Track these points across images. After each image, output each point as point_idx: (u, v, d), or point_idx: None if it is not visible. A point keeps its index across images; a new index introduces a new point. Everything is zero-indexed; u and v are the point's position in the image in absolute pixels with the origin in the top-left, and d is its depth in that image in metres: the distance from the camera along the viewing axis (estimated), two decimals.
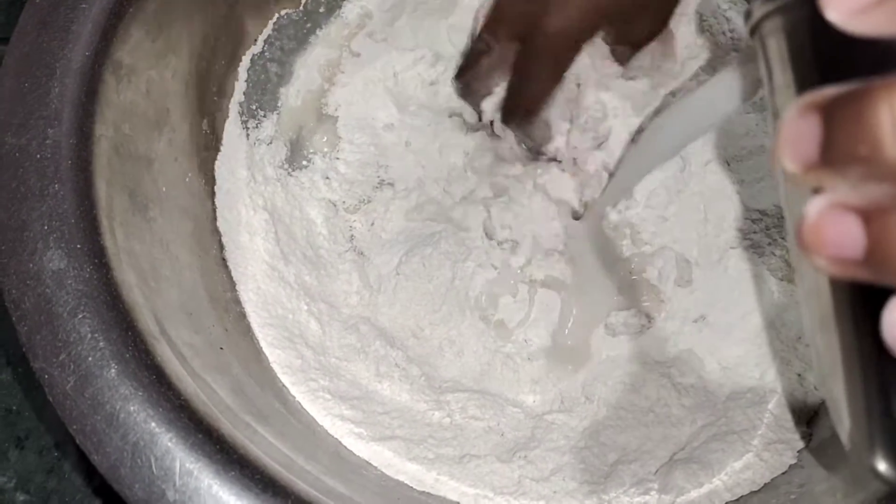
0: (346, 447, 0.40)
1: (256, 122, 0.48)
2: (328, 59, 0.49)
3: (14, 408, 0.41)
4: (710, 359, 0.43)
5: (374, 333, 0.43)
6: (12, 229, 0.34)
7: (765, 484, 0.39)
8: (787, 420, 0.41)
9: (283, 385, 0.42)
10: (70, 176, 0.35)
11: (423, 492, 0.40)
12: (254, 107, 0.48)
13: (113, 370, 0.32)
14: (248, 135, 0.47)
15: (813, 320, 0.26)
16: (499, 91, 0.45)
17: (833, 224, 0.20)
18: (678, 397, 0.43)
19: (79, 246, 0.34)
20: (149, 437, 0.31)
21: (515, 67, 0.43)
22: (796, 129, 0.20)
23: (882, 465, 0.24)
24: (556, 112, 0.44)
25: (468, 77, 0.46)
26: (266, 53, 0.48)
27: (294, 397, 0.41)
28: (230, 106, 0.47)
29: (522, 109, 0.44)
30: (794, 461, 0.40)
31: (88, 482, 0.39)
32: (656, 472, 0.40)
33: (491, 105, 0.46)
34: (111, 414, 0.31)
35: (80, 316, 0.32)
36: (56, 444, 0.40)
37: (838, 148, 0.20)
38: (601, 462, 0.41)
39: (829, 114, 0.20)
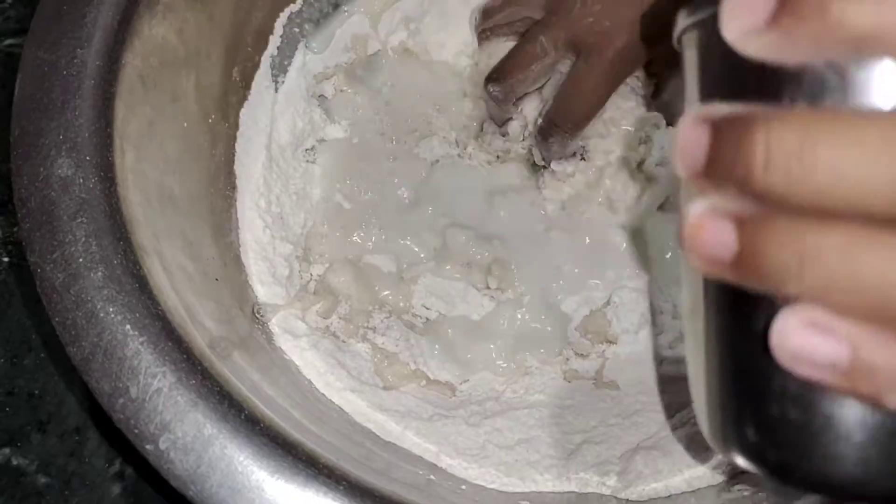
0: (318, 390, 0.41)
1: (285, 77, 0.50)
2: (362, 28, 0.51)
3: (36, 392, 0.42)
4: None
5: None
6: (30, 135, 0.36)
7: (723, 480, 0.39)
8: None
9: (271, 330, 0.43)
10: (91, 94, 0.37)
11: (389, 442, 0.41)
12: (285, 62, 0.50)
13: (100, 273, 0.34)
14: (276, 88, 0.49)
15: (686, 309, 0.27)
16: (532, 103, 0.46)
17: (710, 226, 0.21)
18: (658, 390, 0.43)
19: (88, 158, 0.36)
20: (122, 337, 0.33)
21: (573, 80, 0.42)
22: (688, 138, 0.22)
23: (739, 459, 0.24)
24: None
25: (512, 80, 0.44)
26: (304, 13, 0.50)
27: (278, 339, 0.43)
28: (262, 59, 0.49)
29: (571, 124, 0.43)
30: None
31: (109, 466, 0.40)
32: (620, 456, 0.41)
33: (521, 121, 0.46)
34: (91, 312, 0.33)
35: (79, 220, 0.35)
36: (77, 428, 0.41)
37: (718, 165, 0.21)
38: (568, 441, 0.42)
39: (716, 131, 0.21)
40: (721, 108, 0.21)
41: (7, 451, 0.40)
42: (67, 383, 0.42)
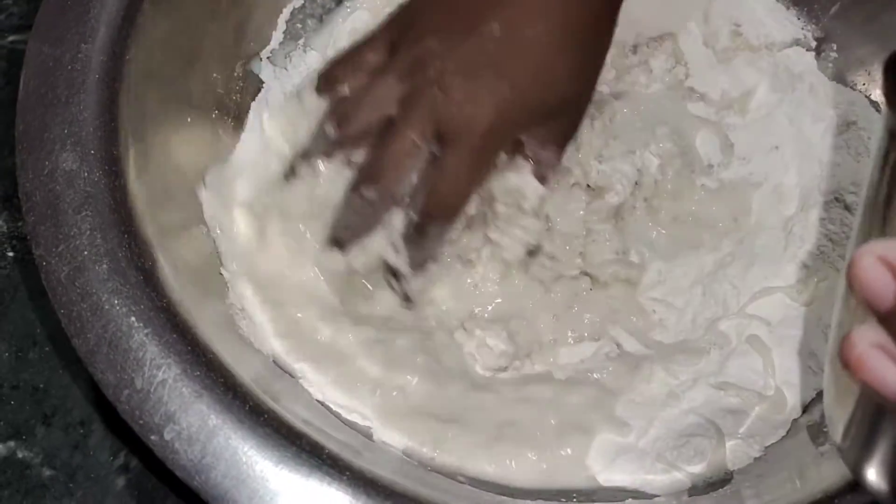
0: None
1: (287, 73, 0.50)
2: (365, 23, 0.51)
3: (41, 385, 0.42)
4: None
5: None
6: (35, 129, 0.36)
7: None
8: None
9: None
10: (95, 89, 0.38)
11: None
12: (287, 58, 0.50)
13: (105, 265, 0.34)
14: (279, 84, 0.49)
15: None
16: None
17: (874, 362, 0.23)
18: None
19: (93, 152, 0.36)
20: (127, 329, 0.33)
21: (443, 168, 0.39)
22: (872, 271, 0.23)
23: (873, 478, 0.29)
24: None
25: (388, 181, 0.40)
26: (307, 8, 0.51)
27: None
28: (264, 54, 0.49)
29: (448, 213, 0.41)
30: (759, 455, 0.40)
31: (113, 458, 0.40)
32: None
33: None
34: (96, 304, 0.33)
35: (83, 214, 0.35)
36: (82, 421, 0.41)
37: None
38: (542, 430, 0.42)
39: None
40: None
41: (12, 444, 0.41)
42: (72, 377, 0.42)
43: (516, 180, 0.42)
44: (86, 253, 0.34)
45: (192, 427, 0.32)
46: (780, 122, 0.50)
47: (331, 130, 0.41)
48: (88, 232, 0.35)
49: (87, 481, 0.40)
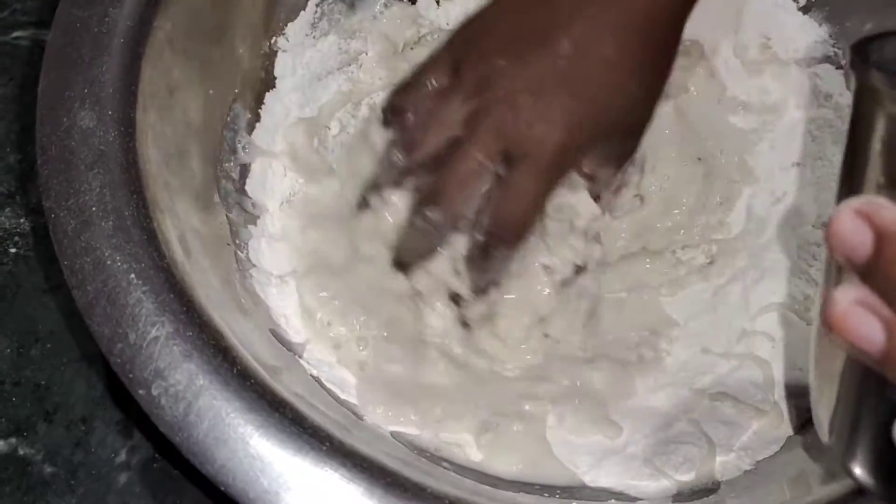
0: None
1: (314, 55, 0.50)
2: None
3: (43, 382, 0.42)
4: None
5: None
6: (57, 87, 0.37)
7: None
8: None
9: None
10: (119, 52, 0.39)
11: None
12: (316, 35, 0.51)
13: (110, 222, 0.35)
14: (304, 64, 0.50)
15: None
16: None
17: (857, 319, 0.23)
18: None
19: (110, 112, 0.37)
20: (126, 285, 0.34)
21: (509, 189, 0.39)
22: (852, 230, 0.23)
23: (858, 471, 0.29)
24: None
25: (455, 202, 0.39)
26: None
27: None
28: (292, 34, 0.50)
29: (514, 235, 0.40)
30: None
31: (115, 456, 0.40)
32: None
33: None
34: (99, 259, 0.34)
35: (95, 171, 0.36)
36: (83, 418, 0.41)
37: (879, 276, 0.23)
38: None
39: (887, 243, 0.22)
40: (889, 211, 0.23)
41: (13, 440, 0.41)
42: (74, 374, 0.42)
43: (571, 198, 0.41)
44: (94, 209, 0.35)
45: (179, 385, 0.32)
46: (804, 139, 0.50)
47: (398, 158, 0.41)
48: (98, 189, 0.35)
49: (88, 478, 0.40)
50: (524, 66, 0.39)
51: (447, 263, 0.40)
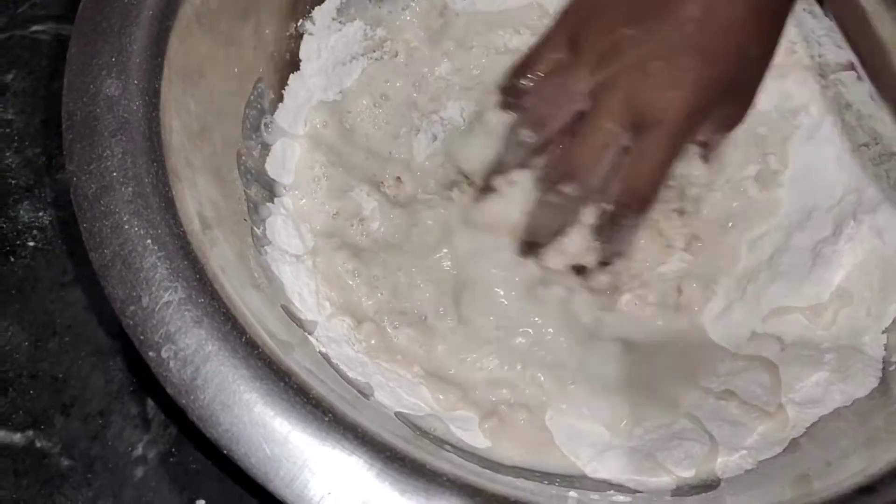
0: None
1: (339, 38, 0.51)
2: None
3: (60, 375, 0.42)
4: None
5: None
6: (85, 55, 0.38)
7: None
8: None
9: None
10: (147, 23, 0.39)
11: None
12: (342, 20, 0.51)
13: (130, 188, 0.35)
14: (330, 47, 0.51)
15: None
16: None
17: None
18: None
19: (136, 82, 0.38)
20: (141, 249, 0.34)
21: (639, 156, 0.39)
22: None
23: None
24: None
25: (587, 175, 0.39)
26: None
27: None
28: (320, 17, 0.51)
29: (643, 202, 0.40)
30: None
31: (131, 449, 0.41)
32: None
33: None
34: (117, 223, 0.35)
35: (118, 137, 0.36)
36: (100, 412, 0.42)
37: None
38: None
39: None
40: None
41: (30, 433, 0.41)
42: (91, 367, 0.43)
43: (683, 165, 0.41)
44: (114, 174, 0.36)
45: (188, 349, 0.33)
46: (823, 145, 0.49)
47: (527, 138, 0.41)
48: (120, 155, 0.36)
49: (105, 471, 0.40)
50: (652, 33, 0.38)
51: (579, 236, 0.41)
